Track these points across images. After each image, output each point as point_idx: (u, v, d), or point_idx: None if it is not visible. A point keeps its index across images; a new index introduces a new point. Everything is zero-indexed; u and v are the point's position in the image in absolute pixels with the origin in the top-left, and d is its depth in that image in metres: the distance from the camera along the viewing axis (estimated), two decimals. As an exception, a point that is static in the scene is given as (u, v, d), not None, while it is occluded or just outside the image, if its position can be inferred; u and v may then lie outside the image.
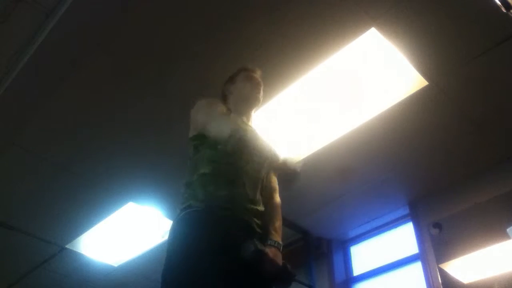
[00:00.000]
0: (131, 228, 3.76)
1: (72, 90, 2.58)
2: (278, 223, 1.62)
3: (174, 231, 1.48)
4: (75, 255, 4.05)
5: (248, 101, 1.83)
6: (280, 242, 1.54)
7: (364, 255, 3.70)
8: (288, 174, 1.76)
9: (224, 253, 1.34)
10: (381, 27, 2.20)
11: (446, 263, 2.90)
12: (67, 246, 3.95)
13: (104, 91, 2.61)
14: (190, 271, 1.32)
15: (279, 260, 1.48)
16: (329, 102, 2.65)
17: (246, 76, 1.87)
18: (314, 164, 3.01)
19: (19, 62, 2.41)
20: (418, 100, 2.55)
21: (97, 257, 4.12)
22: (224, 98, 1.90)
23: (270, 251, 1.45)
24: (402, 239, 3.42)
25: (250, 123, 1.84)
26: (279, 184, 1.73)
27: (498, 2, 1.89)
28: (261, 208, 1.58)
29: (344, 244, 3.83)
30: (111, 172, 3.15)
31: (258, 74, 1.89)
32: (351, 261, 3.73)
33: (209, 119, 1.63)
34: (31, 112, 2.70)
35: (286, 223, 3.48)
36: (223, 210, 1.46)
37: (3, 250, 4.02)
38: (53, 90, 2.57)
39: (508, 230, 2.54)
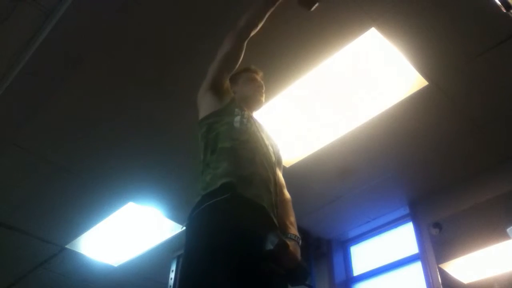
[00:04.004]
0: (131, 228, 3.76)
1: (72, 90, 2.58)
2: (293, 218, 1.63)
3: (191, 226, 1.43)
4: (75, 255, 4.06)
5: (251, 103, 1.83)
6: (299, 236, 1.54)
7: (364, 255, 3.70)
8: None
9: (240, 250, 1.31)
10: (381, 27, 2.21)
11: (446, 263, 2.90)
12: (67, 246, 3.95)
13: (104, 91, 2.61)
14: (208, 269, 1.29)
15: (298, 254, 1.47)
16: (329, 102, 2.65)
17: (249, 78, 1.87)
18: (314, 164, 3.01)
19: (19, 62, 2.41)
20: (418, 100, 2.55)
21: (97, 257, 4.12)
22: None
23: (290, 245, 1.43)
24: (402, 239, 3.42)
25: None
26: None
27: (498, 2, 1.89)
28: (274, 199, 1.56)
29: (344, 244, 3.83)
30: (111, 172, 3.15)
31: (260, 76, 1.90)
32: (351, 261, 3.73)
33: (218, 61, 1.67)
34: (31, 112, 2.70)
35: (286, 223, 3.48)
36: (242, 191, 1.42)
37: (3, 250, 4.02)
38: (53, 90, 2.57)
39: (508, 230, 2.54)
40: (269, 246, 1.32)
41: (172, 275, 3.53)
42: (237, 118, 1.61)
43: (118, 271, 4.26)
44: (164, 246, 3.83)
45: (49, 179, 3.22)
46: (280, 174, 1.77)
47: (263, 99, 1.87)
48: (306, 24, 2.23)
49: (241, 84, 1.86)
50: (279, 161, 1.81)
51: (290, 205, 1.69)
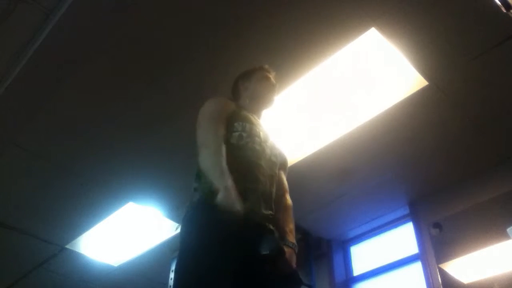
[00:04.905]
0: (131, 228, 3.76)
1: (72, 90, 2.58)
2: (292, 225, 1.64)
3: (186, 226, 1.46)
4: (75, 255, 4.06)
5: (263, 101, 1.86)
6: (296, 244, 1.55)
7: (364, 255, 3.70)
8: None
9: (236, 251, 1.33)
10: (381, 27, 2.20)
11: (446, 263, 2.90)
12: (67, 246, 3.95)
13: (104, 91, 2.61)
14: (203, 269, 1.31)
15: (294, 262, 1.48)
16: (329, 102, 2.65)
17: (263, 76, 1.89)
18: (314, 164, 3.01)
19: (19, 62, 2.41)
20: (418, 100, 2.55)
21: (97, 257, 4.12)
22: (237, 92, 1.90)
23: (287, 251, 1.46)
24: (402, 239, 3.42)
25: (260, 121, 1.83)
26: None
27: (498, 2, 1.89)
28: (272, 212, 1.57)
29: (344, 244, 3.83)
30: (111, 172, 3.15)
31: (273, 76, 1.92)
32: (351, 261, 3.73)
33: (204, 141, 1.55)
34: (31, 112, 2.71)
35: (286, 223, 3.48)
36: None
37: (3, 250, 4.02)
38: (53, 90, 2.57)
39: (508, 230, 2.54)
40: (265, 250, 1.33)
41: (172, 275, 3.53)
42: (235, 134, 1.60)
43: (118, 271, 4.26)
44: (164, 246, 3.83)
45: (49, 179, 3.22)
46: (284, 180, 1.78)
47: (274, 99, 1.89)
48: (306, 25, 2.23)
49: (254, 81, 1.87)
50: (284, 167, 1.82)
51: (290, 211, 1.69)
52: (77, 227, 3.71)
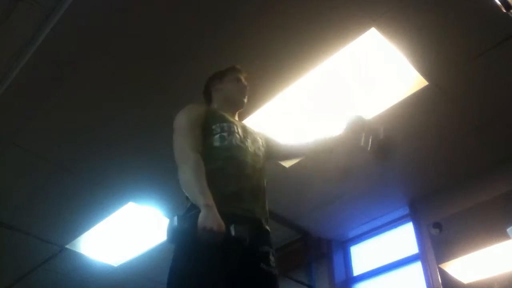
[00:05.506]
0: (131, 228, 3.76)
1: (72, 90, 2.58)
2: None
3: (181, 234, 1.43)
4: (75, 255, 4.05)
5: (234, 103, 1.84)
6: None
7: (364, 255, 3.70)
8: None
9: (232, 254, 1.33)
10: (381, 27, 2.21)
11: (446, 263, 2.90)
12: (67, 246, 3.95)
13: (104, 91, 2.61)
14: (196, 275, 1.32)
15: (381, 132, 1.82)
16: (329, 102, 2.65)
17: (234, 78, 1.87)
18: (314, 164, 3.01)
19: (19, 62, 2.41)
20: (418, 100, 2.55)
21: (97, 257, 4.12)
22: (208, 94, 1.90)
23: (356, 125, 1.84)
24: (402, 239, 3.42)
25: (236, 119, 1.84)
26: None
27: (498, 2, 1.89)
28: (265, 209, 1.58)
29: (344, 244, 3.83)
30: (111, 172, 3.15)
31: (245, 77, 1.91)
32: (351, 261, 3.74)
33: (181, 156, 1.58)
34: (31, 112, 2.70)
35: (286, 223, 3.48)
36: (230, 209, 1.42)
37: (3, 250, 4.02)
38: (53, 90, 2.57)
39: (508, 230, 2.54)
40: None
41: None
42: (216, 137, 1.60)
43: (118, 271, 4.26)
44: (164, 246, 3.83)
45: (49, 179, 3.21)
46: (286, 143, 1.90)
47: (246, 100, 1.87)
48: (306, 24, 2.23)
49: (226, 82, 1.86)
50: (274, 140, 1.87)
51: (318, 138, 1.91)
52: (77, 227, 3.71)
